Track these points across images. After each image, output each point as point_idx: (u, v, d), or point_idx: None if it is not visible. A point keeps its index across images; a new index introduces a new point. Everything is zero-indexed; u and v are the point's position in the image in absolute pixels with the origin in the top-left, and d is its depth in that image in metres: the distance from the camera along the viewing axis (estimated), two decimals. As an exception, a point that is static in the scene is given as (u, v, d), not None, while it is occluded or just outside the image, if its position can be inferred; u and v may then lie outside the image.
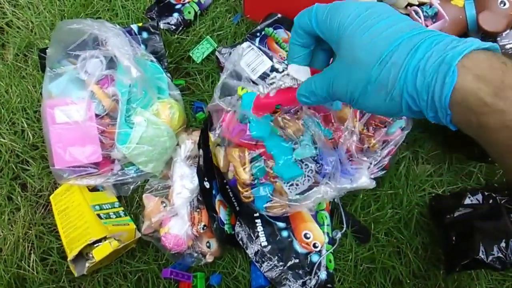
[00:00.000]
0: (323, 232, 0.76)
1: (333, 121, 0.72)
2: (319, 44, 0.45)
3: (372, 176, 0.72)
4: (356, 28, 0.36)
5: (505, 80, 0.30)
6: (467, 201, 0.78)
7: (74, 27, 0.70)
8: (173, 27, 0.90)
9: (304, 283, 0.73)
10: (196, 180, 0.74)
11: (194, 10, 0.92)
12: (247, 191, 0.70)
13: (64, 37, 0.72)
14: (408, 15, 0.83)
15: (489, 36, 0.85)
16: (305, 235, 0.75)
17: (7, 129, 0.83)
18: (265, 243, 0.74)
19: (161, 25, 0.90)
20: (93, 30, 0.70)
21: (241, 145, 0.70)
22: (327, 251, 0.75)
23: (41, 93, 0.85)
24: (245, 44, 0.85)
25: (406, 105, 0.35)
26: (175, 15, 0.91)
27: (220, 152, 0.74)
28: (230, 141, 0.72)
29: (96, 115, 0.73)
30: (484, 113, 0.31)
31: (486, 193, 0.77)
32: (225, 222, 0.74)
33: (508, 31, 0.83)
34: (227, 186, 0.74)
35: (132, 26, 0.85)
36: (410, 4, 0.80)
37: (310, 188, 0.71)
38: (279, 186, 0.69)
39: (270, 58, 0.84)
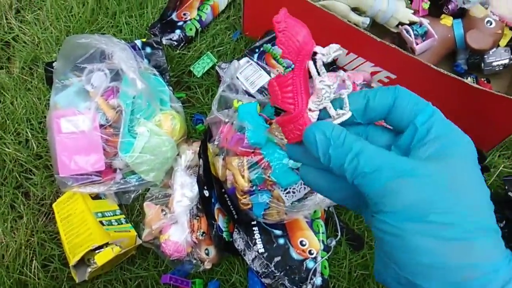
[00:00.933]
0: (319, 239, 0.78)
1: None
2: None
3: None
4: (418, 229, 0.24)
5: None
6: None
7: (82, 41, 0.73)
8: (175, 43, 0.94)
9: None
10: (195, 189, 0.77)
11: (196, 27, 0.96)
12: (245, 198, 0.72)
13: (72, 51, 0.75)
14: (399, 34, 0.87)
15: (477, 54, 0.90)
16: (301, 242, 0.78)
17: (11, 139, 0.85)
18: (262, 250, 0.76)
19: (164, 41, 0.93)
20: (101, 44, 0.73)
21: (240, 153, 0.73)
22: (322, 258, 0.77)
23: (45, 105, 0.88)
24: (244, 60, 0.89)
25: None
26: (177, 31, 0.95)
27: (219, 161, 0.76)
28: (229, 151, 0.75)
29: (100, 126, 0.76)
30: None
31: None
32: (223, 230, 0.76)
33: (495, 49, 0.88)
34: (226, 195, 0.77)
35: (136, 41, 0.88)
36: (401, 23, 0.85)
37: (306, 196, 0.74)
38: (277, 193, 0.72)
39: (268, 73, 0.88)
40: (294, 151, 0.31)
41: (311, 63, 0.28)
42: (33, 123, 0.87)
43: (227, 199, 0.77)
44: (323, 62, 0.28)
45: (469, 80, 0.88)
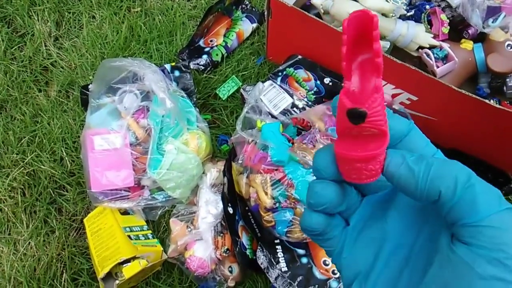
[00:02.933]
0: (342, 260, 0.78)
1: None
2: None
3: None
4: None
5: None
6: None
7: (116, 64, 0.78)
8: (202, 67, 0.99)
9: None
10: (220, 206, 0.79)
11: (222, 53, 1.01)
12: (268, 215, 0.74)
13: (106, 73, 0.80)
14: (419, 57, 0.89)
15: (499, 77, 0.90)
16: (324, 262, 0.78)
17: (47, 157, 0.90)
18: (285, 269, 0.77)
19: (191, 66, 0.98)
20: (133, 67, 0.78)
21: (263, 171, 0.75)
22: (345, 278, 0.77)
23: (80, 125, 0.93)
24: (268, 83, 0.92)
25: None
26: (204, 57, 0.99)
27: (243, 179, 0.78)
28: (252, 169, 0.78)
29: (130, 144, 0.80)
30: None
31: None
32: (247, 247, 0.78)
33: (516, 72, 0.88)
34: (249, 213, 0.78)
35: (165, 65, 0.93)
36: (421, 48, 0.87)
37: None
38: (300, 211, 0.73)
39: (291, 96, 0.91)
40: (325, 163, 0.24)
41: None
42: (68, 142, 0.92)
43: (251, 217, 0.78)
44: None
45: (492, 103, 0.88)
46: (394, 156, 0.22)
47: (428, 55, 0.87)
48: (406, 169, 0.21)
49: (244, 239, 0.77)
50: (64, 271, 0.80)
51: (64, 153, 0.91)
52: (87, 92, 0.91)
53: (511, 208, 0.20)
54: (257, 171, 0.76)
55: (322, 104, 0.84)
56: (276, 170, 0.74)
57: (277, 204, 0.73)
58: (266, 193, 0.73)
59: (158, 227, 0.84)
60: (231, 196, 0.78)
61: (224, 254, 0.76)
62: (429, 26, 0.87)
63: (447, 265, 0.21)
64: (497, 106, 0.75)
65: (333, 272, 0.77)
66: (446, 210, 0.21)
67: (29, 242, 0.82)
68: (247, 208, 0.78)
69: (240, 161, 0.80)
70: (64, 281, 0.79)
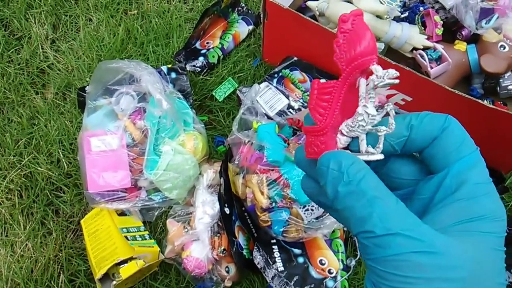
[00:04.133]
0: (338, 259, 0.79)
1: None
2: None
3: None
4: None
5: None
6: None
7: (113, 66, 0.79)
8: (199, 69, 0.99)
9: None
10: (216, 207, 0.79)
11: (218, 55, 1.01)
12: (265, 215, 0.74)
13: (103, 75, 0.81)
14: (413, 58, 0.90)
15: (492, 78, 0.91)
16: (320, 262, 0.78)
17: (44, 159, 0.90)
18: (281, 268, 0.77)
19: (188, 67, 0.99)
20: (130, 68, 0.78)
21: (259, 171, 0.75)
22: (341, 277, 0.77)
23: (77, 127, 0.94)
24: (264, 84, 0.93)
25: None
26: (201, 58, 1.00)
27: (239, 180, 0.79)
28: (248, 169, 0.78)
29: (126, 145, 0.81)
30: None
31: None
32: (243, 247, 0.78)
33: (509, 73, 0.89)
34: (245, 213, 0.79)
35: (162, 67, 0.94)
36: (415, 48, 0.88)
37: (324, 214, 0.75)
38: (295, 211, 0.74)
39: (287, 97, 0.91)
40: (302, 162, 0.27)
41: (363, 81, 0.23)
42: (65, 144, 0.92)
43: (247, 217, 0.79)
44: (374, 84, 0.23)
45: (485, 103, 0.89)
46: (329, 153, 0.24)
47: (422, 56, 0.88)
48: (326, 163, 0.23)
49: (240, 239, 0.78)
50: (61, 272, 0.80)
51: (61, 155, 0.91)
52: (84, 94, 0.92)
53: None
54: (253, 171, 0.77)
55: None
56: (272, 170, 0.74)
57: (273, 204, 0.74)
58: (262, 193, 0.73)
59: (155, 227, 0.85)
60: (228, 196, 0.78)
61: (221, 254, 0.76)
62: (423, 28, 0.88)
63: None
64: (491, 106, 0.76)
65: (329, 271, 0.78)
66: None
67: (26, 244, 0.83)
68: (243, 208, 0.79)
69: (236, 162, 0.81)
70: (61, 283, 0.79)
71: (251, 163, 0.77)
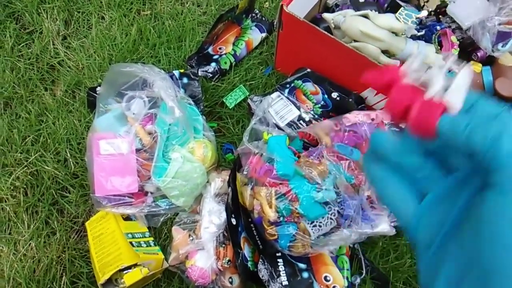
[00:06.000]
0: (343, 276, 0.79)
1: (353, 167, 0.77)
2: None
3: (392, 224, 0.75)
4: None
5: None
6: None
7: (126, 70, 0.78)
8: (210, 75, 0.99)
9: None
10: (223, 216, 0.79)
11: (230, 61, 1.01)
12: (272, 228, 0.74)
13: (116, 78, 0.80)
14: (427, 76, 0.90)
15: (505, 101, 0.91)
16: (325, 278, 0.78)
17: (51, 158, 0.90)
18: (286, 282, 0.77)
19: (200, 73, 0.98)
20: (143, 73, 0.78)
21: (268, 184, 0.75)
22: (345, 295, 0.77)
23: (85, 127, 0.93)
24: (275, 94, 0.93)
25: None
26: (213, 64, 1.00)
27: (247, 191, 0.79)
28: (257, 181, 0.78)
29: (136, 150, 0.80)
30: None
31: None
32: (248, 259, 0.78)
33: (522, 96, 0.89)
34: (252, 224, 0.78)
35: (174, 72, 0.93)
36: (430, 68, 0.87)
37: (332, 231, 0.75)
38: (303, 226, 0.73)
39: (298, 108, 0.91)
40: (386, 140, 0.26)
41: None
42: (73, 143, 0.92)
43: (253, 228, 0.78)
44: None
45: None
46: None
47: (436, 75, 0.87)
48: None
49: (246, 251, 0.78)
50: (64, 274, 0.80)
51: (68, 155, 0.90)
52: (94, 94, 0.91)
53: None
54: (262, 183, 0.76)
55: (329, 119, 0.84)
56: (281, 184, 0.74)
57: (281, 218, 0.73)
58: (270, 207, 0.73)
59: (160, 234, 0.84)
60: (235, 207, 0.78)
61: (226, 265, 0.76)
62: (439, 47, 0.88)
63: (476, 212, 0.22)
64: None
65: (333, 288, 0.77)
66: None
67: (30, 243, 0.82)
68: (250, 219, 0.78)
69: (245, 172, 0.81)
70: (64, 284, 0.79)
71: (260, 175, 0.76)
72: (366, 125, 0.80)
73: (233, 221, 0.77)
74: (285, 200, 0.74)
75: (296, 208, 0.73)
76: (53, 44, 1.06)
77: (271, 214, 0.73)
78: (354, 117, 0.81)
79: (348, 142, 0.80)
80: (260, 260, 0.78)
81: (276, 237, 0.75)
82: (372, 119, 0.82)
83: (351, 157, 0.77)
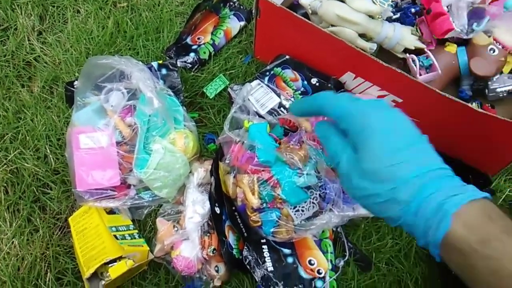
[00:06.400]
0: (327, 259, 0.80)
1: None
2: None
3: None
4: (382, 145, 0.40)
5: (490, 231, 0.36)
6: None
7: (102, 62, 0.77)
8: (189, 65, 0.98)
9: None
10: (207, 206, 0.79)
11: (209, 51, 1.00)
12: (255, 215, 0.74)
13: (93, 71, 0.79)
14: (405, 60, 0.90)
15: (481, 80, 0.92)
16: (309, 262, 0.79)
17: (31, 155, 0.89)
18: (271, 268, 0.77)
19: (179, 63, 0.98)
20: (120, 65, 0.77)
21: (250, 171, 0.75)
22: (330, 277, 0.78)
23: (64, 122, 0.92)
24: (255, 82, 0.93)
25: (403, 224, 0.41)
26: (192, 54, 0.99)
27: (230, 179, 0.79)
28: (239, 169, 0.78)
29: (116, 143, 0.80)
30: (473, 256, 0.36)
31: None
32: (233, 247, 0.78)
33: (498, 75, 0.90)
34: (236, 212, 0.79)
35: (152, 63, 0.92)
36: (406, 50, 0.88)
37: (315, 215, 0.75)
38: (286, 211, 0.74)
39: (278, 95, 0.91)
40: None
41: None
42: (52, 139, 0.91)
43: (237, 216, 0.79)
44: None
45: (474, 106, 0.90)
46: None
47: (413, 61, 0.88)
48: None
49: (230, 239, 0.78)
50: (49, 270, 0.79)
51: (48, 151, 0.89)
52: (72, 88, 0.90)
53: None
54: (244, 171, 0.77)
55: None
56: (263, 170, 0.74)
57: (264, 205, 0.74)
58: (253, 194, 0.73)
59: (144, 226, 0.84)
60: (218, 196, 0.78)
61: (211, 254, 0.77)
62: (419, 30, 0.88)
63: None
64: (479, 110, 0.77)
65: (318, 272, 0.78)
66: None
67: (13, 241, 0.81)
68: (234, 207, 0.79)
69: (227, 161, 0.81)
70: (49, 281, 0.78)
71: (242, 163, 0.77)
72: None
73: (217, 210, 0.77)
74: (267, 186, 0.74)
75: (278, 194, 0.73)
76: (29, 40, 1.05)
77: (254, 201, 0.74)
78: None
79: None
80: (245, 247, 0.78)
81: (260, 223, 0.75)
82: None
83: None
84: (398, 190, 0.39)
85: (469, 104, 0.77)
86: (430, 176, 0.39)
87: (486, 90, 0.92)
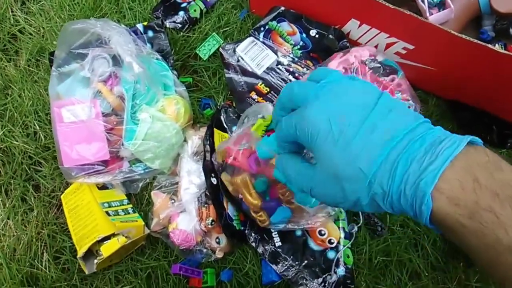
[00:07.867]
0: (339, 227, 0.74)
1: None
2: None
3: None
4: (332, 144, 0.34)
5: (479, 201, 0.30)
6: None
7: (78, 26, 0.71)
8: (179, 25, 0.91)
9: (324, 281, 0.70)
10: (203, 176, 0.73)
11: (200, 8, 0.92)
12: (261, 215, 0.68)
13: (69, 38, 0.73)
14: (415, 2, 0.80)
15: (504, 19, 0.82)
16: (319, 232, 0.73)
17: (20, 132, 0.85)
18: (279, 243, 0.72)
19: (167, 24, 0.90)
20: (96, 28, 0.70)
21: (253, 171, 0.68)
22: (344, 246, 0.73)
23: (52, 96, 0.87)
24: (249, 40, 0.85)
25: (398, 213, 0.35)
26: (181, 13, 0.91)
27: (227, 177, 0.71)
28: (239, 169, 0.70)
29: (104, 114, 0.74)
30: (463, 233, 0.31)
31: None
32: (233, 218, 0.73)
33: (524, 12, 0.79)
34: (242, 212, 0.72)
35: (137, 25, 0.85)
36: (418, -11, 0.78)
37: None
38: (297, 206, 0.67)
39: (275, 52, 0.83)
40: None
41: None
42: (41, 114, 0.86)
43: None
44: None
45: (497, 47, 0.80)
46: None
47: (422, 0, 0.78)
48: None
49: (230, 210, 0.73)
50: (45, 250, 0.77)
51: (37, 127, 0.85)
52: (56, 59, 0.84)
53: None
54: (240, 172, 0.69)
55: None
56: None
57: (267, 198, 0.67)
58: (251, 194, 0.66)
59: (141, 200, 0.80)
60: (214, 165, 0.72)
61: (210, 226, 0.72)
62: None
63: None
64: (502, 51, 0.67)
65: (329, 242, 0.73)
66: None
67: (7, 222, 0.79)
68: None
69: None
70: (45, 261, 0.76)
71: (252, 167, 0.68)
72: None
73: (213, 181, 0.72)
74: (260, 177, 0.67)
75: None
76: (12, 11, 0.98)
77: (254, 202, 0.67)
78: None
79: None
80: (248, 228, 0.73)
81: (267, 223, 0.68)
82: (352, 64, 0.74)
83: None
84: (372, 185, 0.33)
85: (492, 46, 0.68)
86: (397, 151, 0.32)
87: (511, 30, 0.81)
